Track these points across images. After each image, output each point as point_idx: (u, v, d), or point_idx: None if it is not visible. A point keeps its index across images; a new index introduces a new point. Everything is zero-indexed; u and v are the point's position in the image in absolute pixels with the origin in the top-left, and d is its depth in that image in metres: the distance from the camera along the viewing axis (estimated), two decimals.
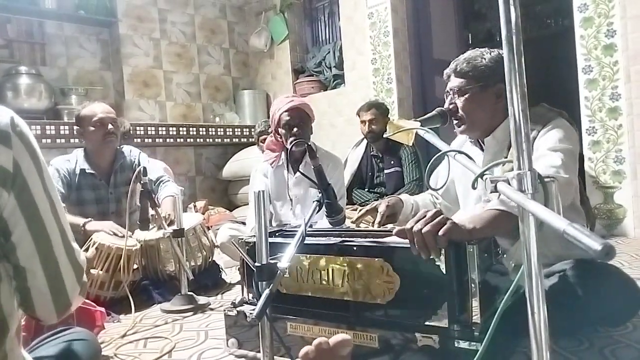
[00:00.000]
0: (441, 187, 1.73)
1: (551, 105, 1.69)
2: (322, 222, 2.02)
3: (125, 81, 4.94)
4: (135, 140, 4.58)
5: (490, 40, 5.38)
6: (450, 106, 1.69)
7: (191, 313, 2.20)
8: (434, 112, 1.63)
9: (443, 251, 1.24)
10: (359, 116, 3.81)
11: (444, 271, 1.25)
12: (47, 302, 0.85)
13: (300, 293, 1.50)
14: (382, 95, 4.61)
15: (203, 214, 4.31)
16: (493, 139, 1.67)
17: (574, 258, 1.57)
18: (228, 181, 5.27)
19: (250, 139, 5.30)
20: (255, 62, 5.95)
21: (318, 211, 1.49)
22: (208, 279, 2.64)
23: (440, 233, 1.22)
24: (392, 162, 3.74)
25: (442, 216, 1.26)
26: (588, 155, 3.41)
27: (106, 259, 2.27)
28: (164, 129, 4.93)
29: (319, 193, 1.53)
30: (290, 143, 2.36)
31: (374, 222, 1.78)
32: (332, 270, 1.44)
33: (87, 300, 1.87)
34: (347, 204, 3.02)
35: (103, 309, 1.91)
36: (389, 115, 3.85)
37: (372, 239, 1.50)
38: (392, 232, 1.36)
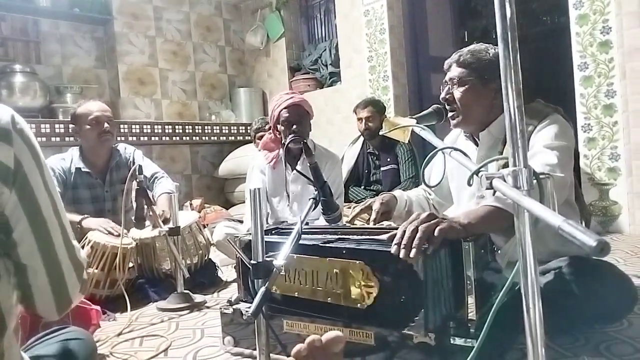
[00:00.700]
0: (437, 185, 1.73)
1: (547, 102, 1.69)
2: (321, 219, 2.02)
3: (120, 79, 4.92)
4: (130, 138, 4.58)
5: (486, 38, 5.37)
6: (447, 96, 1.68)
7: (187, 311, 2.20)
8: (430, 110, 1.63)
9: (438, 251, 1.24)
10: (356, 113, 3.82)
11: (421, 278, 1.24)
12: (48, 299, 0.86)
13: (291, 293, 1.50)
14: (379, 93, 4.60)
15: (199, 212, 4.30)
16: (488, 134, 1.67)
17: (569, 255, 1.57)
18: (224, 179, 5.26)
19: (247, 137, 5.30)
20: (251, 59, 5.93)
21: (314, 209, 1.49)
22: (204, 277, 2.64)
23: (435, 232, 1.22)
24: (389, 160, 3.74)
25: (437, 219, 1.27)
26: (583, 152, 3.42)
27: (101, 258, 2.27)
28: (159, 127, 4.91)
29: (315, 191, 1.53)
30: (289, 140, 2.36)
31: (369, 220, 1.78)
32: (316, 271, 1.43)
33: (82, 299, 1.86)
34: (343, 202, 3.01)
35: (99, 308, 1.91)
36: (385, 113, 3.85)
37: (360, 237, 1.50)
38: (386, 229, 1.36)
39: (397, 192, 1.93)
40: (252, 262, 1.22)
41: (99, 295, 2.27)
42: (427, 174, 1.91)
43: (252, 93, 5.73)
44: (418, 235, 1.22)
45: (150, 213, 2.26)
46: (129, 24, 4.99)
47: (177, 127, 5.03)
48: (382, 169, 3.77)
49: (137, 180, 2.19)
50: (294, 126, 2.50)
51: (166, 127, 4.96)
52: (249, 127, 5.28)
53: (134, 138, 4.63)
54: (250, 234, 1.28)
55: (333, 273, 1.39)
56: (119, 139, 4.24)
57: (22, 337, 1.39)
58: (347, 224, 1.89)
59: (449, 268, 1.30)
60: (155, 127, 4.88)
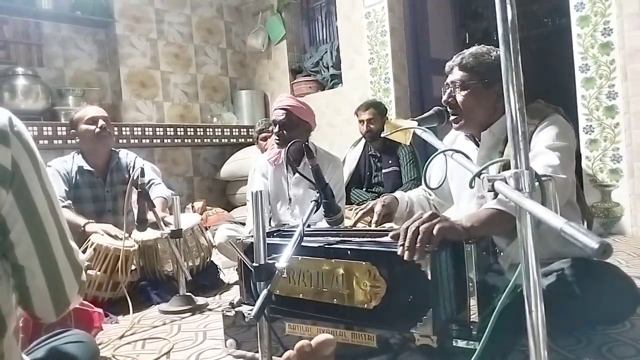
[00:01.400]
0: (438, 187, 1.72)
1: (547, 103, 1.69)
2: (323, 222, 2.02)
3: (122, 82, 4.93)
4: (132, 140, 4.59)
5: (487, 40, 5.37)
6: (449, 99, 1.68)
7: (189, 314, 2.19)
8: (431, 112, 1.63)
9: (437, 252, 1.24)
10: (357, 115, 3.82)
11: (429, 277, 1.24)
12: (46, 301, 0.86)
13: (294, 295, 1.50)
14: (380, 95, 4.61)
15: (201, 214, 4.31)
16: (490, 133, 1.66)
17: (571, 256, 1.57)
18: (226, 181, 5.27)
19: (248, 139, 5.30)
20: (253, 62, 5.94)
21: (316, 211, 1.49)
22: (206, 280, 2.64)
23: (434, 231, 1.22)
24: (390, 162, 3.74)
25: (439, 218, 1.27)
26: (585, 153, 3.42)
27: (104, 260, 2.27)
28: (161, 129, 4.92)
29: (317, 193, 1.53)
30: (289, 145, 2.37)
31: (371, 222, 1.78)
32: (322, 272, 1.43)
33: (85, 302, 1.87)
34: (345, 204, 3.01)
35: (101, 310, 1.91)
36: (386, 115, 3.85)
37: (362, 241, 1.50)
38: (389, 231, 1.36)
39: (398, 194, 1.93)
40: (254, 264, 1.22)
41: (101, 298, 2.27)
42: (427, 175, 1.91)
43: (254, 95, 5.74)
44: (420, 236, 1.22)
45: (153, 215, 2.26)
46: (130, 26, 5.00)
47: (178, 129, 5.04)
48: (383, 171, 3.77)
49: (140, 183, 2.19)
50: (277, 128, 2.56)
51: (168, 129, 4.97)
52: (250, 130, 5.29)
53: (136, 140, 4.64)
54: (252, 236, 1.28)
55: (339, 274, 1.39)
56: (120, 141, 4.27)
57: (25, 339, 1.39)
58: (349, 227, 1.89)
59: (455, 269, 1.30)
60: (157, 129, 4.89)
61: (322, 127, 4.83)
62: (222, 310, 1.67)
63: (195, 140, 5.16)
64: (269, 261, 1.22)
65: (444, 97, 1.69)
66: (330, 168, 2.67)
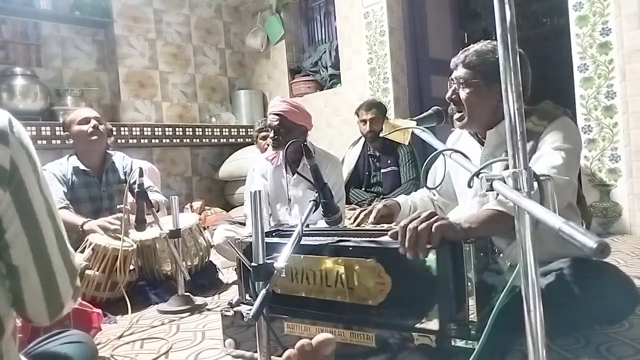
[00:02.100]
0: (437, 186, 1.73)
1: (557, 105, 1.69)
2: (322, 222, 2.02)
3: (121, 82, 4.93)
4: (131, 141, 4.59)
5: (485, 39, 5.38)
6: (453, 96, 1.68)
7: (188, 313, 2.19)
8: (430, 111, 1.62)
9: (434, 251, 1.24)
10: (358, 115, 3.81)
11: (434, 272, 1.24)
12: (39, 303, 0.85)
13: (296, 293, 1.50)
14: (379, 95, 4.61)
15: (200, 214, 4.31)
16: (495, 132, 1.65)
17: (570, 256, 1.57)
18: (224, 181, 5.27)
19: (247, 139, 5.30)
20: (252, 62, 5.94)
21: (315, 211, 1.49)
22: (205, 280, 2.64)
23: (432, 229, 1.22)
24: (389, 162, 3.74)
25: (436, 216, 1.27)
26: (584, 153, 3.42)
27: (102, 260, 2.27)
28: (160, 129, 4.92)
29: (316, 193, 1.53)
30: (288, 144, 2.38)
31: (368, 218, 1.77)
32: (326, 270, 1.43)
33: (83, 302, 1.86)
34: (344, 204, 3.01)
35: (99, 310, 1.91)
36: (386, 115, 3.85)
37: (365, 239, 1.50)
38: (387, 231, 1.36)
39: (401, 199, 1.92)
40: (253, 264, 1.22)
41: (99, 298, 2.27)
42: (430, 175, 1.91)
43: (252, 95, 5.74)
44: (418, 235, 1.22)
45: (152, 215, 2.26)
46: (129, 26, 5.00)
47: (177, 129, 5.04)
48: (382, 171, 3.77)
49: (138, 182, 2.19)
50: (272, 132, 2.58)
51: (166, 129, 4.97)
52: (249, 130, 5.30)
53: (134, 140, 4.64)
54: (251, 236, 1.29)
55: (344, 271, 1.39)
56: (119, 141, 4.27)
57: (23, 340, 1.39)
58: (348, 226, 1.89)
59: (454, 268, 1.30)
60: (156, 129, 4.88)
61: (320, 127, 4.85)
62: (221, 310, 1.67)
63: (194, 140, 5.16)
64: (268, 261, 1.22)
65: (448, 94, 1.69)
66: (329, 168, 2.67)
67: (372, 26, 4.65)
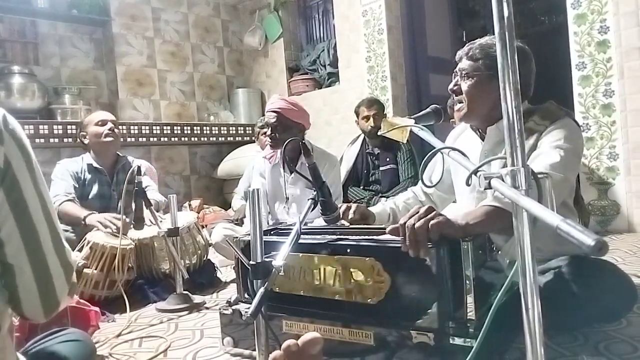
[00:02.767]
0: (434, 185, 1.73)
1: (560, 105, 1.69)
2: (318, 220, 2.02)
3: (119, 80, 4.92)
4: (129, 139, 4.58)
5: (483, 37, 5.39)
6: (455, 87, 1.68)
7: (186, 312, 2.19)
8: (428, 110, 1.62)
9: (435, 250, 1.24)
10: (359, 112, 3.80)
11: (433, 270, 1.24)
12: (34, 301, 0.85)
13: (294, 292, 1.50)
14: (377, 93, 4.61)
15: (198, 212, 4.30)
16: (496, 129, 1.66)
17: (569, 254, 1.57)
18: (223, 180, 5.26)
19: (245, 138, 5.30)
20: (250, 60, 5.93)
21: (313, 209, 1.49)
22: (203, 278, 2.64)
23: (430, 226, 1.22)
24: (388, 160, 3.74)
25: (434, 212, 1.27)
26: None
27: (100, 258, 2.27)
28: (158, 127, 4.90)
29: (314, 191, 1.53)
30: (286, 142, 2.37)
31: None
32: (324, 268, 1.43)
33: (81, 300, 1.86)
34: (342, 202, 3.01)
35: (98, 309, 1.91)
36: (384, 112, 3.86)
37: (364, 237, 1.50)
38: (385, 229, 1.36)
39: (377, 208, 1.92)
40: (251, 262, 1.22)
41: (97, 296, 2.27)
42: (428, 172, 1.91)
43: (251, 94, 5.74)
44: (417, 232, 1.22)
45: (150, 214, 2.26)
46: (127, 25, 4.99)
47: (175, 127, 5.02)
48: (381, 169, 3.77)
49: (136, 180, 2.19)
50: (269, 130, 2.58)
51: (165, 127, 4.95)
52: (247, 128, 5.30)
53: (133, 139, 4.63)
54: (249, 234, 1.28)
55: (342, 270, 1.39)
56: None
57: (21, 338, 1.39)
58: (346, 225, 1.88)
59: (452, 266, 1.30)
60: (154, 127, 4.87)
61: (319, 126, 4.85)
62: (219, 309, 1.67)
63: (192, 138, 5.14)
64: (266, 259, 1.22)
65: (450, 85, 1.70)
66: (327, 166, 2.67)
67: (371, 24, 4.64)
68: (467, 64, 1.66)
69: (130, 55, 5.02)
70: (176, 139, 5.03)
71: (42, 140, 4.02)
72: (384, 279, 1.32)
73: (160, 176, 4.47)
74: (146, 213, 2.23)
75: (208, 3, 5.70)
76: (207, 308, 2.25)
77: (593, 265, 1.53)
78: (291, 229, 1.32)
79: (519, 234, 0.84)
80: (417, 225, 1.23)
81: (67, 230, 2.55)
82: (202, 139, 5.21)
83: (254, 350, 1.27)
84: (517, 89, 0.84)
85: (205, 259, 2.75)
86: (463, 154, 1.14)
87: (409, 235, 1.23)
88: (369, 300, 1.35)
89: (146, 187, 2.78)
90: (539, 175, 0.86)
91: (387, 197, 3.48)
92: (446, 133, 1.99)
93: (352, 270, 1.38)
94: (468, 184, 1.00)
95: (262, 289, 1.13)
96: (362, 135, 3.88)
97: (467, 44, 1.71)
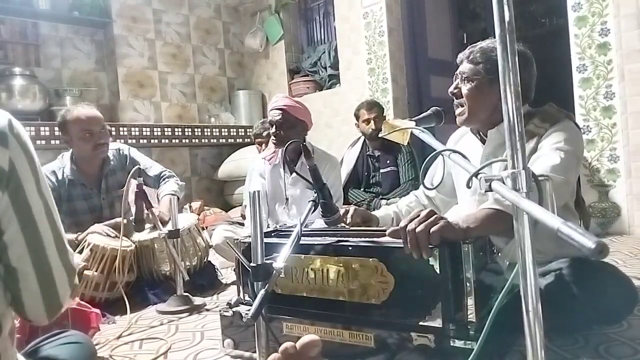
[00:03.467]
0: (435, 187, 1.73)
1: (560, 108, 1.69)
2: (318, 222, 2.02)
3: (120, 82, 4.92)
4: (130, 141, 4.58)
5: (485, 40, 5.39)
6: (455, 90, 1.69)
7: (187, 314, 2.19)
8: (429, 112, 1.63)
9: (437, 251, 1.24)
10: (360, 115, 3.80)
11: (437, 271, 1.25)
12: (37, 304, 0.85)
13: (295, 293, 1.50)
14: (378, 95, 4.61)
15: (199, 214, 4.30)
16: (497, 132, 1.66)
17: (569, 256, 1.57)
18: (224, 182, 5.26)
19: (246, 139, 5.30)
20: (251, 62, 5.94)
21: (313, 211, 1.49)
22: (204, 280, 2.64)
23: (432, 229, 1.22)
24: (388, 162, 3.74)
25: (435, 216, 1.27)
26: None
27: (101, 260, 2.27)
28: (159, 129, 4.91)
29: (315, 193, 1.53)
30: (287, 145, 2.36)
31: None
32: (327, 270, 1.43)
33: (82, 302, 1.86)
34: (343, 204, 3.02)
35: (98, 311, 1.91)
36: (384, 114, 3.86)
37: (366, 239, 1.50)
38: (386, 231, 1.36)
39: (380, 212, 1.92)
40: (252, 264, 1.22)
41: (98, 298, 2.27)
42: (430, 174, 1.91)
43: (252, 95, 5.74)
44: (419, 235, 1.23)
45: (150, 215, 2.26)
46: (128, 26, 5.00)
47: (176, 129, 5.03)
48: (381, 171, 3.77)
49: (137, 182, 2.19)
50: (274, 129, 2.57)
51: (165, 129, 4.96)
52: (248, 130, 5.30)
53: (133, 141, 4.63)
54: (250, 236, 1.28)
55: (346, 271, 1.39)
56: (118, 141, 4.25)
57: (22, 340, 1.39)
58: (346, 226, 1.88)
59: (453, 268, 1.30)
60: (155, 129, 4.88)
61: (319, 127, 4.84)
62: (220, 311, 1.67)
63: (193, 140, 5.15)
64: (267, 261, 1.22)
65: (451, 88, 1.70)
66: (328, 168, 2.67)
67: (371, 26, 4.65)
68: (467, 67, 1.66)
69: (131, 57, 5.02)
70: (177, 140, 5.03)
71: (43, 142, 4.03)
72: (388, 279, 1.32)
73: None
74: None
75: (209, 5, 5.70)
76: (207, 310, 2.25)
77: (594, 268, 1.53)
78: (291, 231, 1.32)
79: (520, 237, 0.84)
80: (417, 229, 1.23)
81: None
82: (203, 140, 5.22)
83: (255, 352, 1.27)
84: (517, 91, 0.84)
85: (205, 260, 2.75)
86: (464, 156, 1.14)
87: (410, 239, 1.24)
88: (372, 300, 1.35)
89: (161, 174, 2.77)
90: (540, 178, 0.86)
91: (388, 199, 3.49)
92: (447, 135, 1.99)
93: (354, 271, 1.38)
94: (469, 187, 1.00)
95: (262, 291, 1.13)
96: (363, 138, 3.88)
97: (468, 47, 1.71)
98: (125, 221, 2.31)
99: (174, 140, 5.00)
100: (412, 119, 1.55)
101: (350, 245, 1.43)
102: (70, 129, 2.49)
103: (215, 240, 2.86)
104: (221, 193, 5.37)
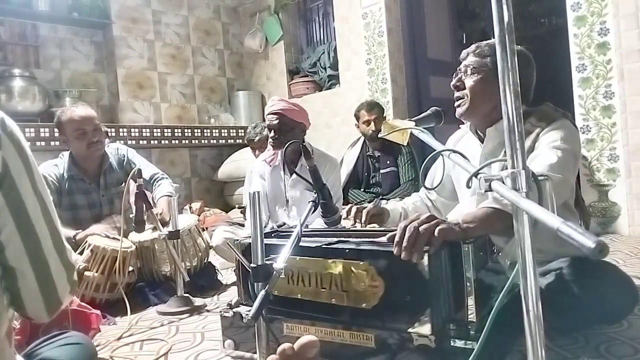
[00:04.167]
0: (435, 187, 1.73)
1: (556, 107, 1.69)
2: (317, 222, 2.02)
3: (119, 83, 4.93)
4: (130, 142, 4.58)
5: (484, 40, 5.39)
6: (458, 83, 1.69)
7: (187, 315, 2.19)
8: (428, 112, 1.62)
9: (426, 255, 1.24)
10: (360, 116, 3.80)
11: (427, 276, 1.24)
12: (37, 302, 0.86)
13: (294, 295, 1.50)
14: (377, 95, 4.61)
15: (199, 215, 4.30)
16: (495, 130, 1.66)
17: (570, 255, 1.57)
18: (223, 182, 5.26)
19: (246, 140, 5.30)
20: (250, 63, 5.94)
21: (313, 212, 1.49)
22: (204, 281, 2.64)
23: (435, 233, 1.22)
24: (388, 162, 3.75)
25: (435, 220, 1.26)
26: (582, 153, 3.42)
27: (101, 261, 2.26)
28: (158, 130, 4.91)
29: (315, 194, 1.53)
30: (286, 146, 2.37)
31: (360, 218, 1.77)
32: (321, 272, 1.43)
33: (82, 303, 1.86)
34: (343, 204, 3.02)
35: (99, 312, 1.91)
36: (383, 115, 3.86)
37: (362, 240, 1.50)
38: (386, 231, 1.35)
39: (390, 205, 1.92)
40: (252, 265, 1.22)
41: (98, 299, 2.26)
42: (429, 176, 1.91)
43: (251, 96, 5.74)
44: (419, 237, 1.22)
45: (150, 215, 2.26)
46: (127, 28, 5.00)
47: (176, 130, 5.03)
48: (381, 171, 3.77)
49: (137, 183, 2.19)
50: (272, 132, 2.57)
51: (165, 130, 4.96)
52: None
53: (133, 142, 4.63)
54: (250, 237, 1.28)
55: (337, 274, 1.39)
56: (119, 141, 4.25)
57: (22, 342, 1.39)
58: (346, 227, 1.88)
59: (453, 268, 1.30)
60: (155, 130, 4.88)
61: (319, 128, 4.85)
62: (220, 311, 1.67)
63: (193, 141, 5.15)
64: (267, 262, 1.22)
65: (453, 81, 1.70)
66: (328, 168, 2.67)
67: (371, 27, 4.65)
68: (474, 60, 1.66)
69: (131, 58, 5.03)
70: (177, 141, 5.03)
71: (43, 144, 4.03)
72: (379, 283, 1.32)
73: None
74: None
75: (208, 6, 5.71)
76: (208, 311, 2.25)
77: (594, 267, 1.53)
78: (292, 232, 1.32)
79: (520, 236, 0.84)
80: (421, 228, 1.22)
81: None
82: (203, 141, 5.22)
83: (255, 353, 1.27)
84: (517, 91, 0.84)
85: (206, 261, 2.75)
86: (464, 156, 1.14)
87: (409, 237, 1.22)
88: (363, 304, 1.35)
89: (154, 176, 2.78)
90: (539, 177, 0.86)
91: (388, 200, 3.49)
92: (447, 135, 1.99)
93: (348, 274, 1.37)
94: (469, 187, 1.00)
95: (262, 292, 1.13)
96: (362, 138, 3.89)
97: (474, 44, 1.71)
98: (125, 224, 2.32)
99: (173, 141, 5.00)
100: (412, 119, 1.55)
101: (343, 248, 1.42)
102: (65, 129, 2.58)
103: (216, 241, 2.86)
104: (221, 194, 5.37)
